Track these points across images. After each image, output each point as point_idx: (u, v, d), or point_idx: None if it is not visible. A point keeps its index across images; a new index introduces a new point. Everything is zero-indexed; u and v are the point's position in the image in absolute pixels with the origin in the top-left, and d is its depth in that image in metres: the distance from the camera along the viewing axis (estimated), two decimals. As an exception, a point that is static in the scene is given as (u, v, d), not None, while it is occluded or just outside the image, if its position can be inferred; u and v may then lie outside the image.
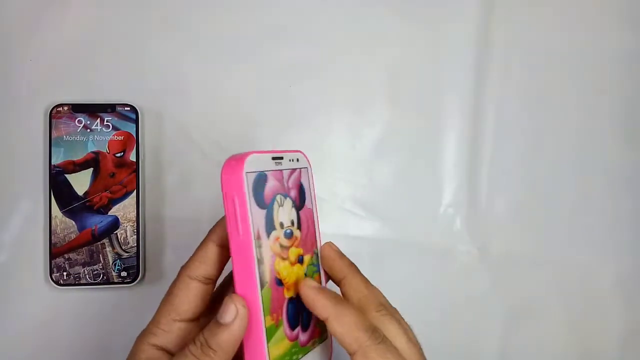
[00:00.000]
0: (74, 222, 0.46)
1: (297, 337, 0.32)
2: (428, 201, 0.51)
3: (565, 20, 0.53)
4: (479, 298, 0.51)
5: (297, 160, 0.34)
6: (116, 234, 0.47)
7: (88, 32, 0.49)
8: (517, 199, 0.51)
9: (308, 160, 0.35)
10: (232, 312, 0.28)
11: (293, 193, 0.33)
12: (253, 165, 0.29)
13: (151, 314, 0.33)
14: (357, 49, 0.51)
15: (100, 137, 0.47)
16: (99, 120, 0.47)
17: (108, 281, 0.46)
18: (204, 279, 0.33)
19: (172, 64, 0.49)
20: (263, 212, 0.30)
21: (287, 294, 0.31)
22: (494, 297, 0.51)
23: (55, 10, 0.49)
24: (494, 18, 0.52)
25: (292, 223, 0.32)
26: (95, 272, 0.46)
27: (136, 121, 0.48)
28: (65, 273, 0.46)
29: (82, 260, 0.46)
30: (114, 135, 0.47)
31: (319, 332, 0.34)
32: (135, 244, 0.47)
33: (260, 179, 0.30)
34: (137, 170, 0.47)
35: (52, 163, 0.46)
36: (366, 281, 0.34)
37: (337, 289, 0.35)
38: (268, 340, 0.29)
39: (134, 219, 0.47)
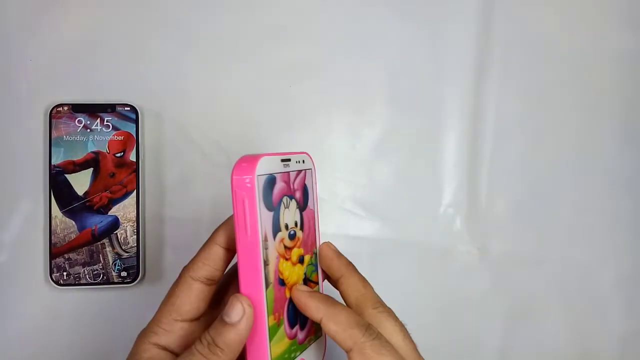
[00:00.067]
0: (74, 222, 0.46)
1: (295, 335, 0.33)
2: (428, 201, 0.51)
3: (565, 20, 0.53)
4: (479, 298, 0.51)
5: (303, 161, 0.34)
6: (116, 234, 0.47)
7: (88, 32, 0.49)
8: (517, 199, 0.51)
9: (313, 162, 0.35)
10: (239, 311, 0.28)
11: (298, 194, 0.33)
12: (264, 168, 0.30)
13: (151, 313, 0.33)
14: (357, 49, 0.51)
15: (100, 137, 0.47)
16: (99, 120, 0.47)
17: (108, 281, 0.46)
18: (206, 280, 0.33)
19: (172, 64, 0.49)
20: (270, 214, 0.30)
21: (288, 294, 0.32)
22: (494, 297, 0.51)
23: (55, 10, 0.49)
24: (494, 18, 0.52)
25: (296, 224, 0.33)
26: (95, 272, 0.46)
27: (136, 121, 0.48)
28: (65, 273, 0.46)
29: (82, 260, 0.46)
30: (114, 135, 0.47)
31: (315, 330, 0.35)
32: (135, 244, 0.47)
33: (270, 182, 0.30)
34: (137, 170, 0.47)
35: (52, 163, 0.46)
36: (363, 280, 0.35)
37: (334, 291, 0.35)
38: (270, 340, 0.30)
39: (134, 219, 0.47)
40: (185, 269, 0.33)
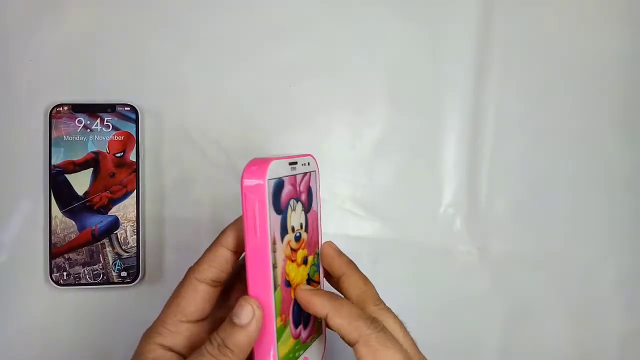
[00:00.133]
0: (74, 222, 0.46)
1: (299, 335, 0.33)
2: (428, 201, 0.51)
3: (565, 20, 0.53)
4: (479, 298, 0.51)
5: (308, 164, 0.34)
6: (116, 234, 0.47)
7: (88, 32, 0.49)
8: (517, 199, 0.51)
9: (317, 164, 0.35)
10: (249, 313, 0.29)
11: (303, 197, 0.33)
12: (274, 171, 0.30)
13: (151, 313, 0.33)
14: (357, 49, 0.51)
15: (100, 137, 0.47)
16: (99, 120, 0.47)
17: (108, 281, 0.46)
18: (212, 281, 0.33)
19: (172, 64, 0.49)
20: (279, 217, 0.30)
21: (293, 294, 0.32)
22: (494, 297, 0.51)
23: (55, 10, 0.49)
24: (494, 18, 0.52)
25: (301, 226, 0.33)
26: (95, 272, 0.46)
27: (136, 121, 0.48)
28: (65, 273, 0.46)
29: (82, 260, 0.46)
30: (114, 135, 0.47)
31: (316, 328, 0.35)
32: (135, 244, 0.47)
33: (279, 185, 0.30)
34: (137, 170, 0.47)
35: (52, 163, 0.46)
36: (364, 278, 0.35)
37: (335, 291, 0.35)
38: (277, 340, 0.30)
39: (134, 219, 0.47)
40: (191, 270, 0.33)
